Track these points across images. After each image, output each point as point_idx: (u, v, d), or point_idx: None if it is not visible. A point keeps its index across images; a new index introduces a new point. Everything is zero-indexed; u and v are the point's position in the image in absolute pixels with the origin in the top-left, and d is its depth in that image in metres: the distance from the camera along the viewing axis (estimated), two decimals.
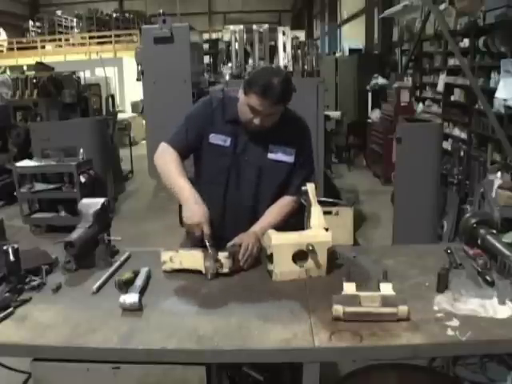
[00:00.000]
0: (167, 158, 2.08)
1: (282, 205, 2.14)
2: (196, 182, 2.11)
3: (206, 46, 5.73)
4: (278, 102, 1.94)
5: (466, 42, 6.86)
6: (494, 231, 1.98)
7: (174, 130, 2.19)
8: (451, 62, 7.57)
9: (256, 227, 2.05)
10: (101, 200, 2.11)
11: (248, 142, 2.08)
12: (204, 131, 2.10)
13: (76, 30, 23.10)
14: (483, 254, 1.91)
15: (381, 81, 9.22)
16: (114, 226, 2.19)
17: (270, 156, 2.10)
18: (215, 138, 2.09)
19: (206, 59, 5.79)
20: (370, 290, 1.60)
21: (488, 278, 1.74)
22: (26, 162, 5.75)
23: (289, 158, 2.12)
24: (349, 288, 1.61)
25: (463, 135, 7.12)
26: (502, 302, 1.58)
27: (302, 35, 5.51)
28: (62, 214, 5.66)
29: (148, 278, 1.84)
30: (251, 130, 2.03)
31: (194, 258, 1.90)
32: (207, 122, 2.10)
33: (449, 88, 7.63)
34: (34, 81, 8.49)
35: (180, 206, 2.07)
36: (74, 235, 1.90)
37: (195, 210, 1.90)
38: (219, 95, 2.16)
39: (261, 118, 1.96)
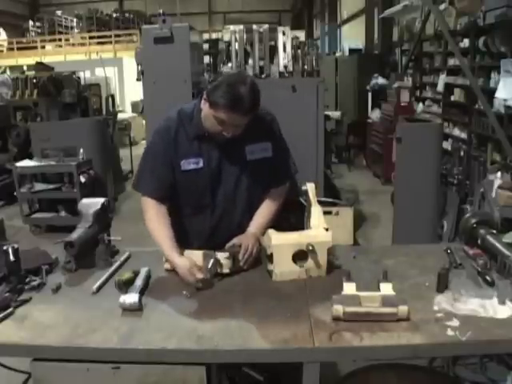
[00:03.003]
0: (148, 218, 2.01)
1: (272, 199, 2.12)
2: (177, 211, 2.05)
3: (205, 46, 5.72)
4: (248, 113, 1.86)
5: (466, 42, 6.86)
6: (494, 231, 1.98)
7: (140, 175, 2.09)
8: (451, 61, 7.57)
9: (253, 228, 2.04)
10: (101, 200, 2.11)
11: (222, 154, 1.99)
12: (173, 162, 1.99)
13: (76, 30, 23.09)
14: (483, 254, 1.91)
15: (381, 81, 9.22)
16: (114, 226, 2.19)
17: (250, 157, 2.02)
18: (187, 164, 1.98)
19: (206, 59, 5.77)
20: (369, 290, 1.60)
21: (488, 278, 1.74)
22: (26, 162, 5.75)
23: (267, 153, 2.06)
24: (349, 288, 1.61)
25: (463, 135, 7.12)
26: (501, 302, 1.58)
27: (302, 35, 5.50)
28: (62, 214, 5.67)
29: (148, 277, 1.84)
30: (221, 139, 1.94)
31: (194, 258, 1.89)
32: (173, 151, 1.98)
33: (449, 88, 7.63)
34: (34, 81, 8.50)
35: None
36: (74, 235, 1.90)
37: (180, 265, 1.82)
38: (174, 116, 2.02)
39: (231, 129, 1.88)
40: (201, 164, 1.99)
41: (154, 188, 2.03)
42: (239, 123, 1.88)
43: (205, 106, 1.91)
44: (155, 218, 2.00)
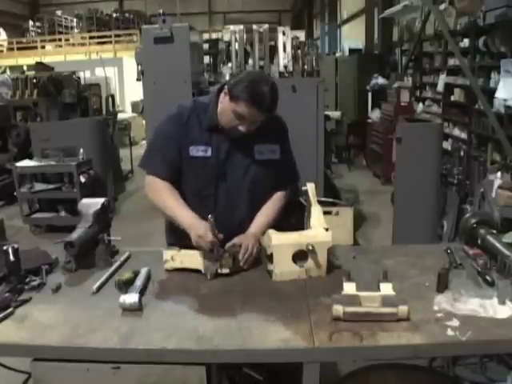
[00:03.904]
0: (157, 192, 2.03)
1: (274, 201, 2.14)
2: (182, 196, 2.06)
3: (205, 46, 5.73)
4: (267, 111, 1.91)
5: (466, 42, 6.86)
6: (494, 231, 1.98)
7: (148, 155, 2.12)
8: (451, 62, 7.57)
9: (253, 228, 2.04)
10: (101, 200, 2.11)
11: (231, 148, 2.02)
12: (182, 146, 2.02)
13: (76, 30, 23.10)
14: (483, 254, 1.91)
15: (381, 81, 9.22)
16: (114, 226, 2.19)
17: (258, 157, 2.05)
18: (195, 151, 2.01)
19: (206, 59, 5.78)
20: (370, 290, 1.60)
21: (488, 278, 1.74)
22: (26, 162, 5.75)
23: (275, 155, 2.09)
24: (349, 288, 1.61)
25: (463, 135, 7.12)
26: (502, 302, 1.58)
27: (302, 35, 5.51)
28: (62, 214, 5.67)
29: (148, 277, 1.84)
30: (234, 135, 1.98)
31: (194, 258, 1.90)
32: (183, 136, 2.02)
33: (449, 88, 7.63)
34: (34, 81, 8.50)
35: (166, 227, 2.11)
36: (74, 235, 1.90)
37: (196, 227, 1.88)
38: (188, 104, 2.08)
39: (247, 125, 1.93)
40: (209, 153, 2.02)
41: (163, 169, 2.05)
42: (256, 119, 1.92)
43: (225, 100, 1.94)
44: (165, 192, 2.02)
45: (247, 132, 1.94)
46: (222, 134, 2.01)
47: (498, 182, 3.61)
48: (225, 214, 2.06)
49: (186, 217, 1.96)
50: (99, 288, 1.78)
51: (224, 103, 1.95)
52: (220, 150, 2.02)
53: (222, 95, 1.97)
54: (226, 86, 1.96)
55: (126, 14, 24.34)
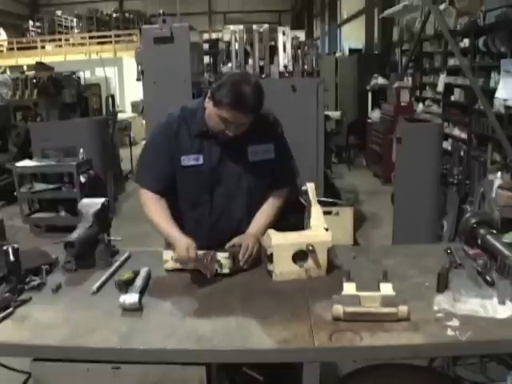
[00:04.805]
0: (148, 208, 2.02)
1: (273, 201, 2.12)
2: (177, 207, 2.06)
3: (206, 46, 5.72)
4: (252, 112, 1.87)
5: (466, 42, 6.86)
6: (494, 231, 1.98)
7: (140, 169, 2.12)
8: (451, 62, 7.57)
9: (253, 228, 2.04)
10: (101, 200, 2.11)
11: (223, 152, 1.99)
12: (173, 157, 2.00)
13: (76, 30, 23.12)
14: (483, 254, 1.90)
15: (381, 81, 9.23)
16: (114, 226, 2.19)
17: (252, 158, 2.02)
18: (187, 160, 1.99)
19: (206, 59, 5.77)
20: (370, 290, 1.60)
21: (488, 278, 1.74)
22: (26, 162, 5.76)
23: (270, 155, 2.05)
24: (349, 288, 1.61)
25: (463, 135, 7.12)
26: (502, 302, 1.58)
27: (302, 35, 5.49)
28: (62, 213, 5.67)
29: (148, 277, 1.84)
30: (223, 139, 1.94)
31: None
32: (173, 147, 1.99)
33: (449, 88, 7.63)
34: (34, 81, 8.49)
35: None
36: (74, 235, 1.91)
37: (180, 240, 1.86)
38: (176, 113, 2.03)
39: (234, 129, 1.89)
40: (201, 161, 1.99)
41: (154, 182, 2.04)
42: (242, 122, 1.88)
43: (209, 105, 1.91)
44: (154, 209, 2.01)
45: (236, 136, 1.91)
46: (213, 139, 1.98)
47: (498, 182, 3.61)
48: (222, 218, 2.06)
49: (170, 233, 1.93)
50: (99, 288, 1.78)
51: (209, 108, 1.91)
52: (212, 155, 1.99)
53: (207, 100, 1.93)
54: (209, 91, 1.92)
55: (126, 14, 24.37)
